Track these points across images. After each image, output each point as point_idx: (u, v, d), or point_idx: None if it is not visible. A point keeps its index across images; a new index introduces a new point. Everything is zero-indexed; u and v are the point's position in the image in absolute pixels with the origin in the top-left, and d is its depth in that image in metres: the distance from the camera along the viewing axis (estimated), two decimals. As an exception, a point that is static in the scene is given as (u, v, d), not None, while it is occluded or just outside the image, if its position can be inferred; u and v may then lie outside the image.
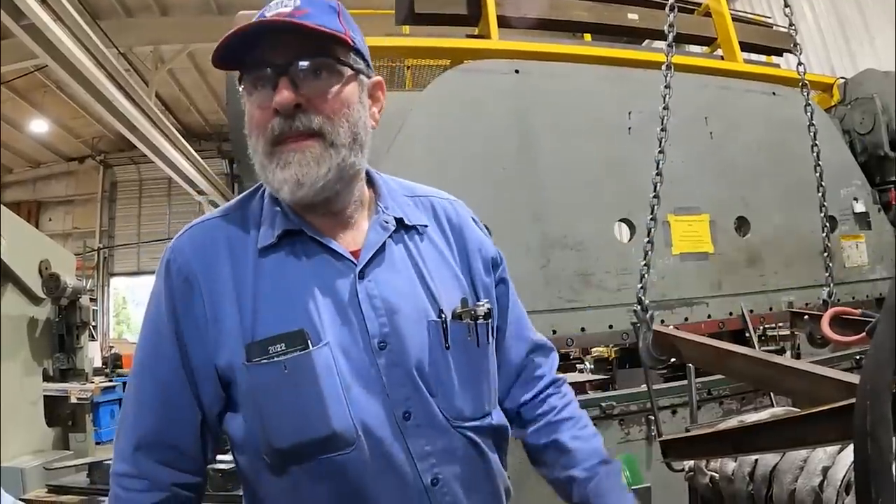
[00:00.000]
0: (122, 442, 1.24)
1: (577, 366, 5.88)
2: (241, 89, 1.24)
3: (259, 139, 1.20)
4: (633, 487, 2.43)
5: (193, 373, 1.21)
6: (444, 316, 1.25)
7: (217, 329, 1.19)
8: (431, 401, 1.21)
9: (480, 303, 1.32)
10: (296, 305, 1.19)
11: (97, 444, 8.22)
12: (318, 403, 1.14)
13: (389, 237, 1.30)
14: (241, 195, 1.37)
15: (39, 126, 17.84)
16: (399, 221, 1.32)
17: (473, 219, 1.48)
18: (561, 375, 1.53)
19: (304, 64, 1.17)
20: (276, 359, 1.15)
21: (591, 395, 3.35)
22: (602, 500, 1.33)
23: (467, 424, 1.25)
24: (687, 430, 2.04)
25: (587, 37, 4.42)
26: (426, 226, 1.36)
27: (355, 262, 1.24)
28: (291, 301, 1.19)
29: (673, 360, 1.96)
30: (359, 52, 1.26)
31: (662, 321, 2.86)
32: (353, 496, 1.16)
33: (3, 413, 5.55)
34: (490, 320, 1.33)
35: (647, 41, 5.30)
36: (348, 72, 1.22)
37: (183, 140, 12.14)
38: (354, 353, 1.18)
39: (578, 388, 4.94)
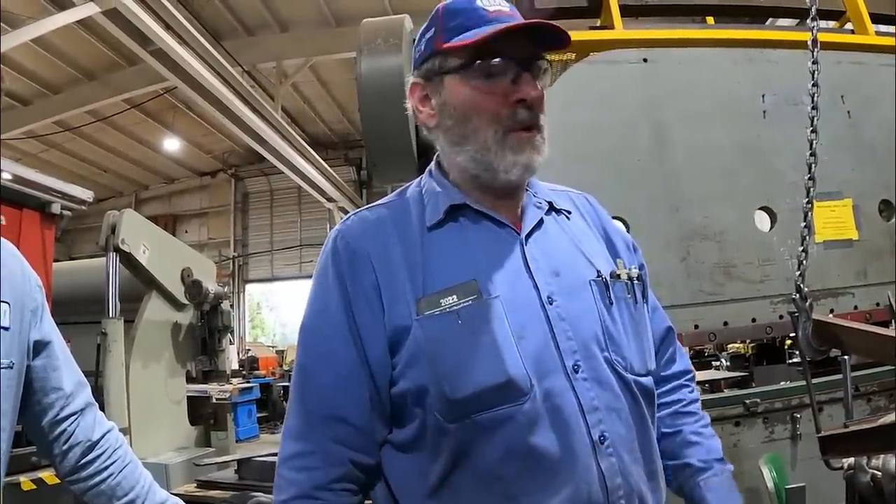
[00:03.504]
0: (293, 420, 1.27)
1: (713, 363, 5.65)
2: (450, 67, 1.31)
3: (491, 124, 1.28)
4: (786, 487, 2.34)
5: (362, 339, 1.25)
6: (603, 276, 1.32)
7: (389, 293, 1.24)
8: (599, 356, 1.25)
9: (633, 265, 1.43)
10: (464, 263, 1.26)
11: (236, 441, 8.67)
12: (493, 351, 1.18)
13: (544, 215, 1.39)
14: (398, 189, 1.46)
15: (172, 144, 18.94)
16: (549, 204, 1.42)
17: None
18: (690, 368, 1.58)
19: (540, 63, 1.31)
20: (449, 309, 1.20)
21: (734, 392, 3.21)
22: (713, 494, 1.37)
23: (637, 379, 1.29)
24: (846, 426, 1.94)
25: (709, 20, 4.27)
26: (570, 211, 1.46)
27: (517, 231, 1.33)
28: (460, 259, 1.27)
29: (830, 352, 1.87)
30: None
31: (809, 312, 2.73)
32: (523, 453, 1.16)
33: (149, 412, 5.94)
34: (641, 283, 1.42)
35: (769, 20, 5.05)
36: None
37: (310, 150, 12.60)
38: (524, 307, 1.23)
39: (714, 385, 4.78)
